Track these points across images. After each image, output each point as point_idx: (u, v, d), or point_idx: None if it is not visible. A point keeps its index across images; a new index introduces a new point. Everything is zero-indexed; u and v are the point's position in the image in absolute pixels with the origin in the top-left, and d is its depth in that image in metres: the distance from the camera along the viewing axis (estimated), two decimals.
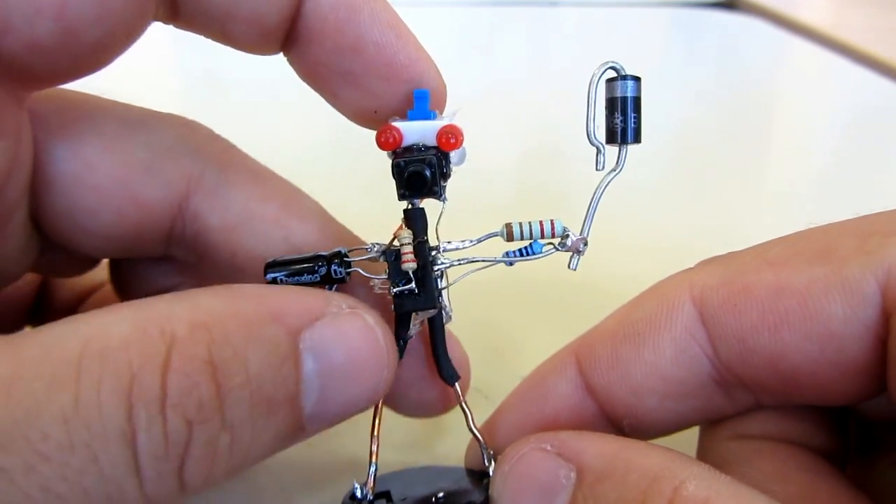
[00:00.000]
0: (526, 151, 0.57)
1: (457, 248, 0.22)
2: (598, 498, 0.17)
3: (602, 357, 0.22)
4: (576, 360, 0.22)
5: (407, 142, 0.21)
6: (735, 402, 0.21)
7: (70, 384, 0.15)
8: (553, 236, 0.21)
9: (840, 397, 0.20)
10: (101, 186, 0.22)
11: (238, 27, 0.21)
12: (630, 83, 0.21)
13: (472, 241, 0.22)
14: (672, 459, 0.17)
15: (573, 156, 0.61)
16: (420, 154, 0.21)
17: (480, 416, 0.29)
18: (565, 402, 0.22)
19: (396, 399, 0.26)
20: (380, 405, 0.22)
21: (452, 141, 0.21)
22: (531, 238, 0.21)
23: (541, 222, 0.21)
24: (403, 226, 0.21)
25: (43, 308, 0.30)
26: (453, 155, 0.22)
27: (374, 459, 0.22)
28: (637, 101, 0.21)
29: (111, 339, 0.16)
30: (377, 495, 0.22)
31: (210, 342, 0.16)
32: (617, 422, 0.22)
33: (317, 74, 0.22)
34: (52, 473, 0.14)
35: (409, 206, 0.21)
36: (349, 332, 0.18)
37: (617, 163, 0.21)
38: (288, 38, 0.21)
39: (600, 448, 0.18)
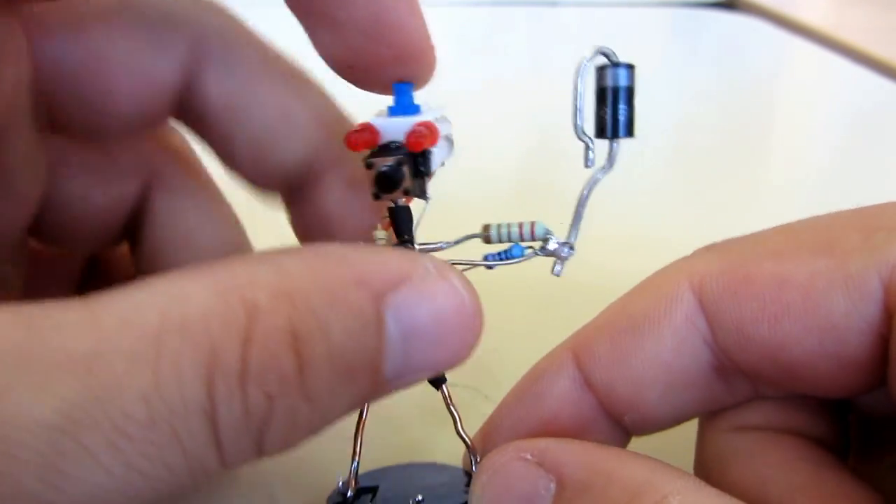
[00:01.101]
0: (526, 151, 0.57)
1: (432, 250, 0.21)
2: None
3: (601, 352, 0.21)
4: (573, 357, 0.22)
5: (383, 140, 0.20)
6: (734, 393, 0.21)
7: (150, 361, 0.15)
8: (533, 239, 0.20)
9: (838, 390, 0.20)
10: (108, 67, 0.23)
11: None
12: (622, 71, 0.19)
13: (448, 243, 0.21)
14: (656, 471, 0.17)
15: (573, 155, 0.61)
16: (391, 153, 0.20)
17: (481, 415, 0.29)
18: (564, 400, 0.22)
19: None
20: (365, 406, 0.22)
21: (420, 141, 0.20)
22: (510, 241, 0.20)
23: (520, 224, 0.20)
24: (382, 225, 0.21)
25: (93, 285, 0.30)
26: (436, 150, 0.21)
27: (356, 456, 0.22)
28: (630, 91, 0.19)
29: (190, 310, 0.15)
30: (364, 489, 0.22)
31: (292, 312, 0.16)
32: (618, 417, 0.21)
33: (300, 6, 0.21)
34: (134, 451, 0.14)
35: (393, 205, 0.21)
36: (436, 296, 0.18)
37: (607, 159, 0.20)
38: None
39: (581, 458, 0.18)
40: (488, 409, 0.29)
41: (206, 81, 0.24)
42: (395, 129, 0.20)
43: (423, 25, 0.21)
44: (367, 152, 0.20)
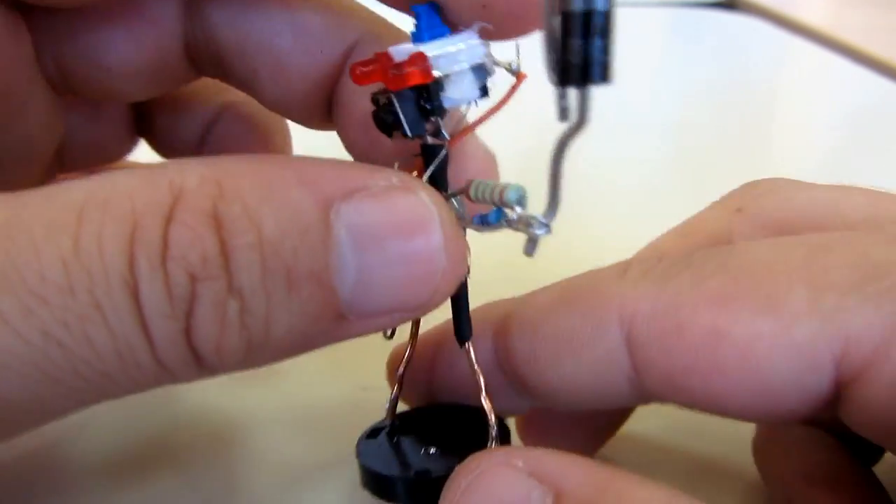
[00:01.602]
0: (526, 151, 0.57)
1: None
2: None
3: (520, 349, 0.21)
4: (493, 335, 0.21)
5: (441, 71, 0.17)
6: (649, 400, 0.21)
7: (70, 228, 0.14)
8: (503, 205, 0.17)
9: (777, 422, 0.21)
10: (105, 33, 0.23)
11: None
12: None
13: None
14: (673, 498, 0.16)
15: (573, 155, 0.61)
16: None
17: None
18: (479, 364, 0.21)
19: None
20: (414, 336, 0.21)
21: (395, 78, 0.17)
22: (486, 202, 0.18)
23: (496, 186, 0.18)
24: (415, 165, 0.19)
25: None
26: (451, 83, 0.18)
27: (396, 389, 0.22)
28: (606, 17, 0.14)
29: (116, 189, 0.15)
30: (396, 425, 0.22)
31: (218, 196, 0.15)
32: (520, 391, 0.21)
33: None
34: (51, 318, 0.14)
35: (424, 143, 0.18)
36: (398, 210, 0.16)
37: (580, 113, 0.15)
38: None
39: (586, 474, 0.16)
40: None
41: (209, 19, 0.24)
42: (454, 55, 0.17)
43: None
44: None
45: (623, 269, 0.20)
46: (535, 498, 0.16)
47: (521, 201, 0.17)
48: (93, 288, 0.14)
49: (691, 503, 0.16)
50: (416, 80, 0.17)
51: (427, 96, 0.17)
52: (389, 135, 0.18)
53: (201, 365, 0.16)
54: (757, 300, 0.18)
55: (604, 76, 0.15)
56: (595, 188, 0.38)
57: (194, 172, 0.15)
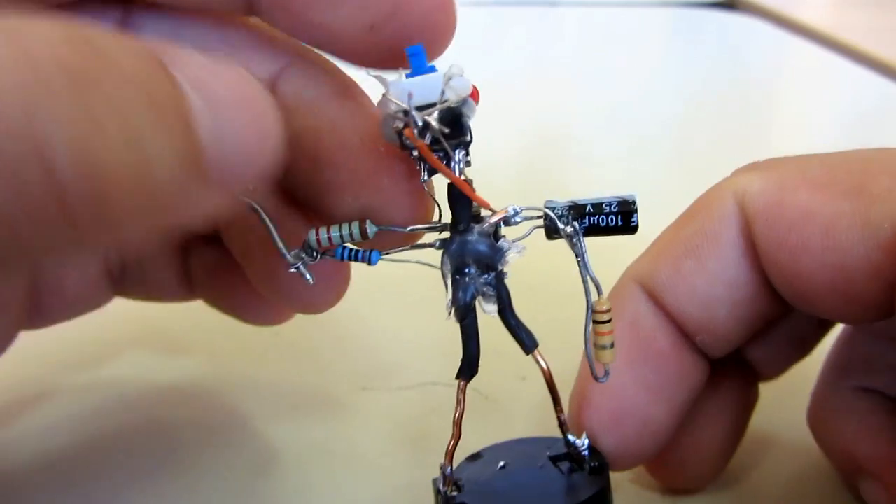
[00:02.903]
0: (525, 150, 0.57)
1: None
2: None
3: (666, 277, 0.22)
4: (639, 287, 0.22)
5: (414, 103, 0.18)
6: (782, 308, 0.22)
7: None
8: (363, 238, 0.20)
9: (848, 319, 0.22)
10: None
11: None
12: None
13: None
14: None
15: (573, 154, 0.61)
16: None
17: (481, 415, 0.29)
18: (646, 329, 0.22)
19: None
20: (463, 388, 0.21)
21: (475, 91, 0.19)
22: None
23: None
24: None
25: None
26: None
27: (454, 439, 0.21)
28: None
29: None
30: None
31: None
32: (692, 339, 0.22)
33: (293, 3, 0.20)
34: None
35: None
36: (218, 69, 0.16)
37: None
38: None
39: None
40: (488, 409, 0.29)
41: (141, 30, 0.22)
42: (429, 87, 0.19)
43: None
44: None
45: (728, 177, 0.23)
46: None
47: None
48: None
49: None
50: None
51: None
52: (458, 135, 0.19)
53: (62, 188, 0.13)
54: (847, 186, 0.20)
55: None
56: (595, 188, 0.38)
57: None
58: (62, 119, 0.13)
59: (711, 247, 0.21)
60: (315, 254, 0.20)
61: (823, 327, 0.25)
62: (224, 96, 0.16)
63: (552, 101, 0.67)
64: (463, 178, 0.19)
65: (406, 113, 0.18)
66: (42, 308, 0.26)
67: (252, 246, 0.24)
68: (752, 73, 0.77)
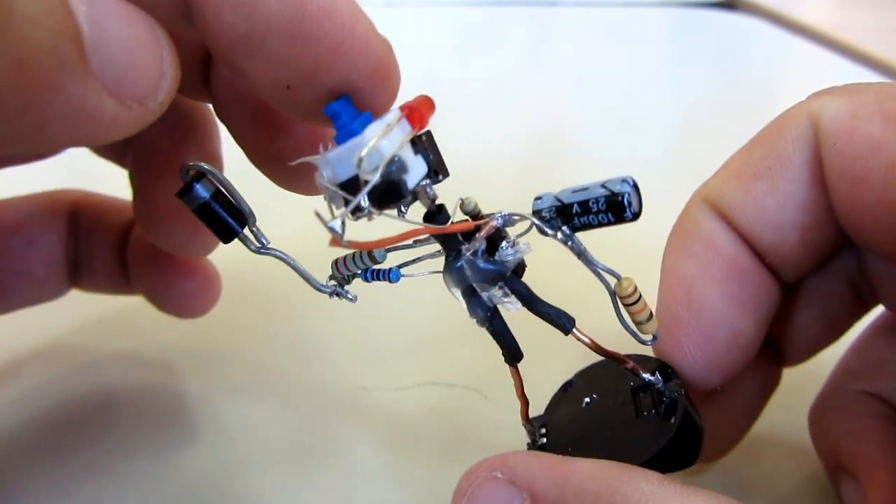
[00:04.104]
0: (525, 150, 0.57)
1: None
2: None
3: (738, 198, 0.22)
4: (709, 207, 0.22)
5: (338, 179, 0.17)
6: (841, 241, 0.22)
7: None
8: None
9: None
10: None
11: None
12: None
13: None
14: (622, 477, 0.17)
15: (573, 155, 0.61)
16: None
17: (481, 415, 0.29)
18: (716, 246, 0.22)
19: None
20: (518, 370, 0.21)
21: (418, 110, 0.17)
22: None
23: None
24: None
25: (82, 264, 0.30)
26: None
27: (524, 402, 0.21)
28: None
29: None
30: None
31: None
32: (763, 260, 0.22)
33: (218, 45, 0.18)
34: None
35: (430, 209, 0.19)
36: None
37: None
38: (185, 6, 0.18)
39: (550, 475, 0.18)
40: (488, 410, 0.29)
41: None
42: (346, 157, 0.17)
43: (357, 9, 0.18)
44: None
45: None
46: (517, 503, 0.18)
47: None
48: None
49: (639, 475, 0.17)
50: (429, 109, 0.18)
51: (424, 137, 0.18)
52: (395, 201, 0.18)
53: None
54: None
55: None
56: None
57: None
58: None
59: (783, 168, 0.21)
60: (344, 280, 0.21)
61: (859, 310, 0.25)
62: (107, 10, 0.16)
63: (552, 101, 0.66)
64: (435, 203, 0.19)
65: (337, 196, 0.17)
66: (6, 289, 0.28)
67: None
68: (752, 73, 0.77)
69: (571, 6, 1.01)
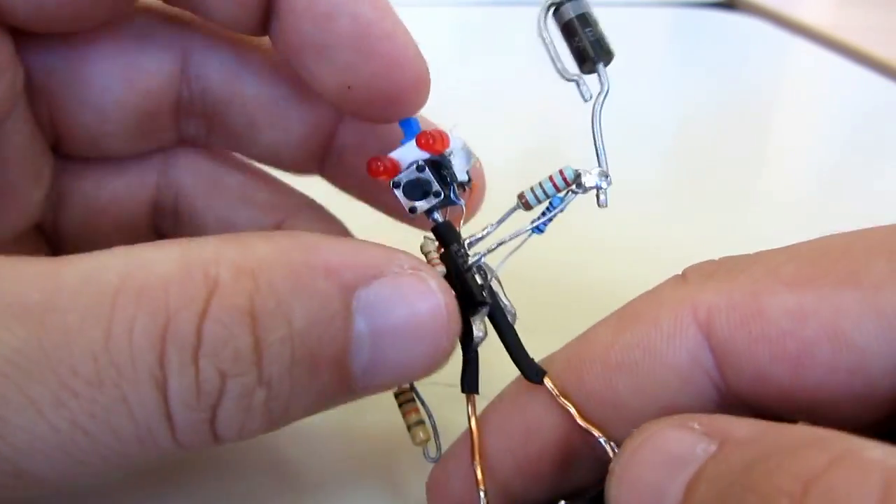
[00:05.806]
0: (526, 150, 0.57)
1: (481, 238, 0.21)
2: (734, 462, 0.14)
3: (594, 388, 0.20)
4: (560, 385, 0.20)
5: (404, 165, 0.21)
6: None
7: (102, 320, 0.14)
8: (568, 185, 0.21)
9: (858, 422, 0.18)
10: (101, 68, 0.23)
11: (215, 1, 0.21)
12: (572, 3, 0.21)
13: (493, 225, 0.21)
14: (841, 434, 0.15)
15: (573, 155, 0.61)
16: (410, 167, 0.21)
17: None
18: (549, 422, 0.20)
19: None
20: (474, 427, 0.21)
21: (429, 142, 0.20)
22: (547, 197, 0.21)
23: (551, 177, 0.21)
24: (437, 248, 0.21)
25: None
26: (455, 160, 0.21)
27: (481, 486, 0.20)
28: (584, 16, 0.22)
29: (151, 276, 0.15)
30: None
31: (253, 291, 0.15)
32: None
33: (292, 47, 0.22)
34: (79, 409, 0.14)
35: (433, 224, 0.21)
36: (408, 294, 0.17)
37: (600, 83, 0.22)
38: (266, 11, 0.21)
39: (751, 425, 0.16)
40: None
41: (206, 73, 0.24)
42: (411, 151, 0.21)
43: (409, 36, 0.22)
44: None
45: (679, 279, 0.20)
46: (700, 448, 0.15)
47: (578, 171, 0.21)
48: (121, 382, 0.14)
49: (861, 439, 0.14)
50: (443, 143, 0.21)
51: (443, 164, 0.21)
52: (418, 199, 0.21)
53: (219, 443, 0.16)
54: (838, 277, 0.17)
55: (602, 51, 0.22)
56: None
57: (228, 262, 0.15)
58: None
59: (652, 366, 0.19)
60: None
61: None
62: (395, 327, 0.17)
63: (551, 100, 0.66)
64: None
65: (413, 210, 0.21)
66: None
67: None
68: (753, 73, 0.77)
69: None
